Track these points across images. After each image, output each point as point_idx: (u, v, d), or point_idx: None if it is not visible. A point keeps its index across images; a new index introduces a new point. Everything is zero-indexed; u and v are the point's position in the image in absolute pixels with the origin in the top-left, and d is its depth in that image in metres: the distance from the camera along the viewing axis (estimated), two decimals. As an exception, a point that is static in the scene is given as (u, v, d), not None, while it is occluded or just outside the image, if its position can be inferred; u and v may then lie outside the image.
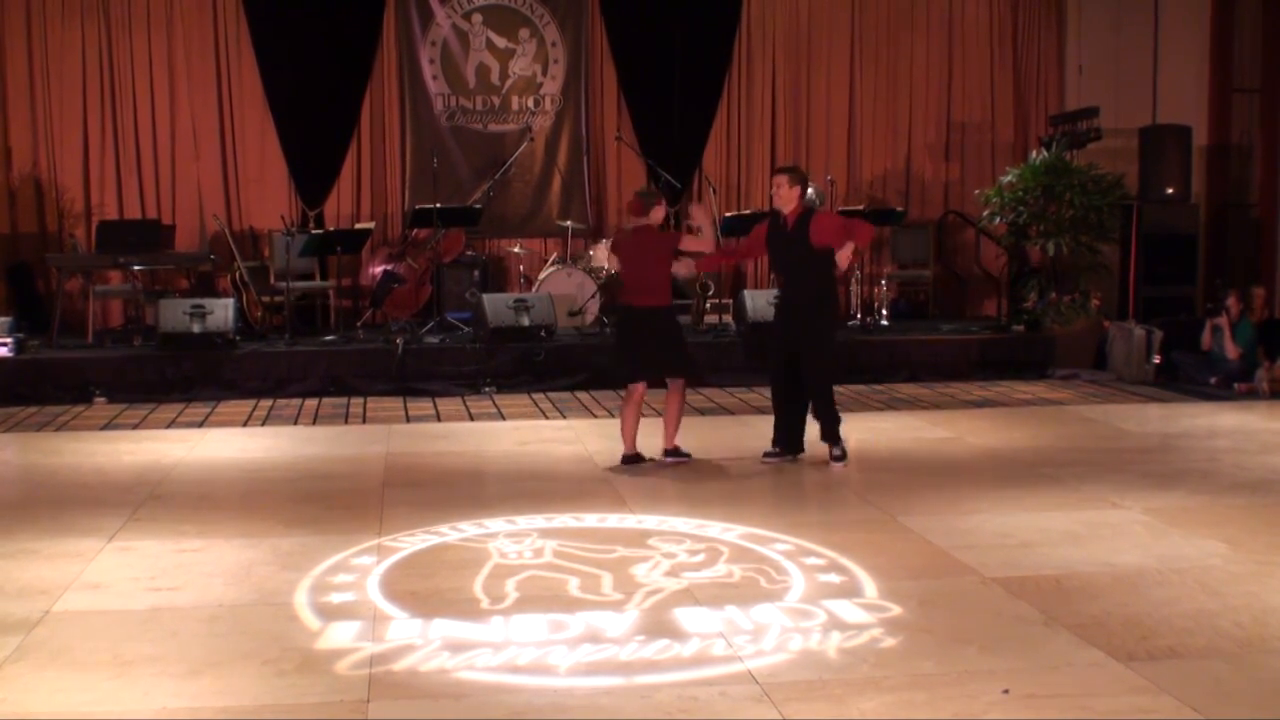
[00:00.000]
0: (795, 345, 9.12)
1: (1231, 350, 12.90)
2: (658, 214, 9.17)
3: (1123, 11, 16.60)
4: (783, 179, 9.12)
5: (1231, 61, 16.26)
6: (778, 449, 9.32)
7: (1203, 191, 16.16)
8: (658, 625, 5.75)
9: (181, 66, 15.30)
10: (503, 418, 11.50)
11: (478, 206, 14.77)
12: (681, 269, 9.30)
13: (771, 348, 9.46)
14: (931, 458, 9.64)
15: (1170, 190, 15.23)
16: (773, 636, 5.59)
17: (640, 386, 9.16)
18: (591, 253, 14.60)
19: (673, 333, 9.28)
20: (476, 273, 14.78)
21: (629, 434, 9.17)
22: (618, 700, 4.97)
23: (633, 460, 9.14)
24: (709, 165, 16.16)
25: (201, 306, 12.79)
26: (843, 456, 9.20)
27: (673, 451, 9.22)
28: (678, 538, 7.22)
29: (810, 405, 9.29)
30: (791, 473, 9.11)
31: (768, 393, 12.39)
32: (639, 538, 7.23)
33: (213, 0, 15.28)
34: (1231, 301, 13.08)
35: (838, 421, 9.24)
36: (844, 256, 8.95)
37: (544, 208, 16.05)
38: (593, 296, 14.16)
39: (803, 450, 9.37)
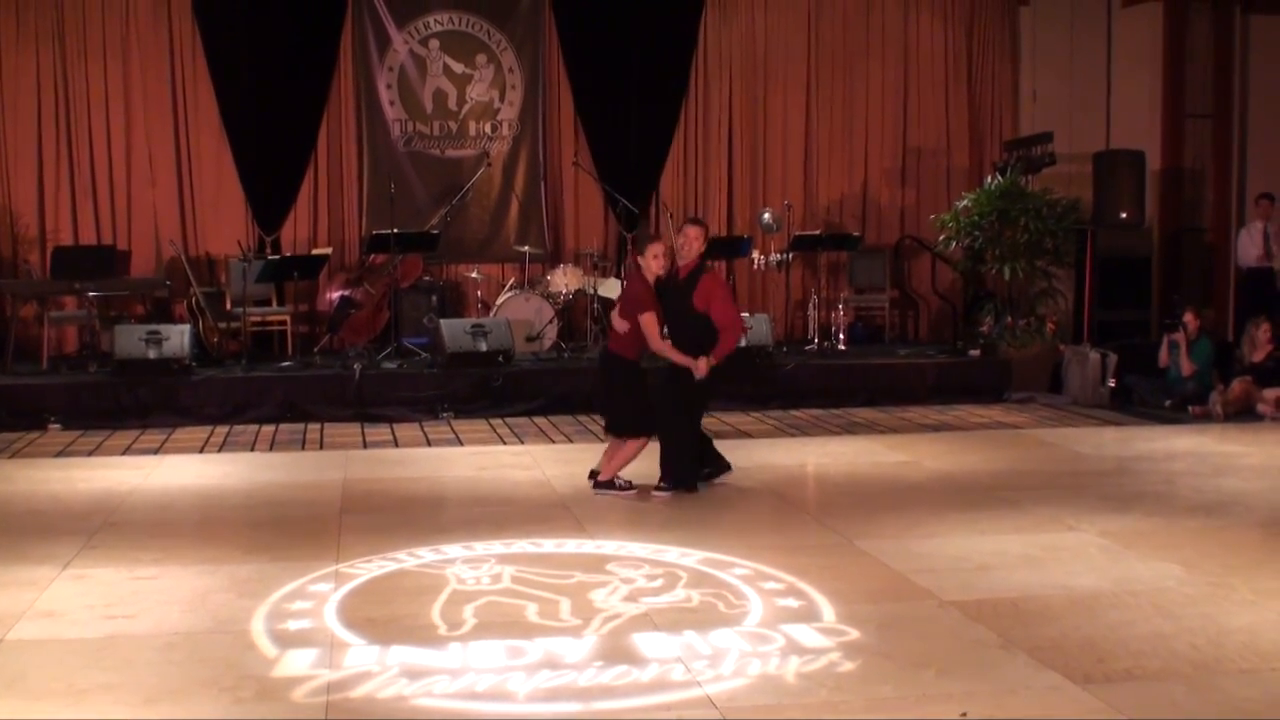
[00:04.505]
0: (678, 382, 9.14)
1: (1187, 367, 13.01)
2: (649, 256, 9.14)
3: (1076, 38, 16.75)
4: (699, 231, 9.13)
5: (1184, 88, 16.42)
6: (706, 471, 9.36)
7: (1156, 216, 16.29)
8: (616, 651, 5.74)
9: (137, 91, 15.22)
10: (460, 443, 11.48)
11: (435, 232, 14.73)
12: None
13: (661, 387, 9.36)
14: (888, 481, 9.67)
15: (1124, 215, 15.36)
16: (731, 661, 5.59)
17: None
18: (549, 278, 14.59)
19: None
20: (434, 298, 14.76)
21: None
22: (576, 726, 4.97)
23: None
24: (665, 191, 16.19)
25: (157, 332, 12.71)
26: (664, 488, 9.13)
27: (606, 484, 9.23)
28: (636, 563, 7.21)
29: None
30: (748, 498, 9.12)
31: (723, 418, 12.51)
32: (597, 563, 7.22)
33: (168, 26, 15.22)
34: (1189, 318, 13.20)
35: (683, 468, 9.17)
36: (701, 367, 8.94)
37: (501, 233, 16.04)
38: (550, 321, 14.15)
39: (729, 466, 9.47)
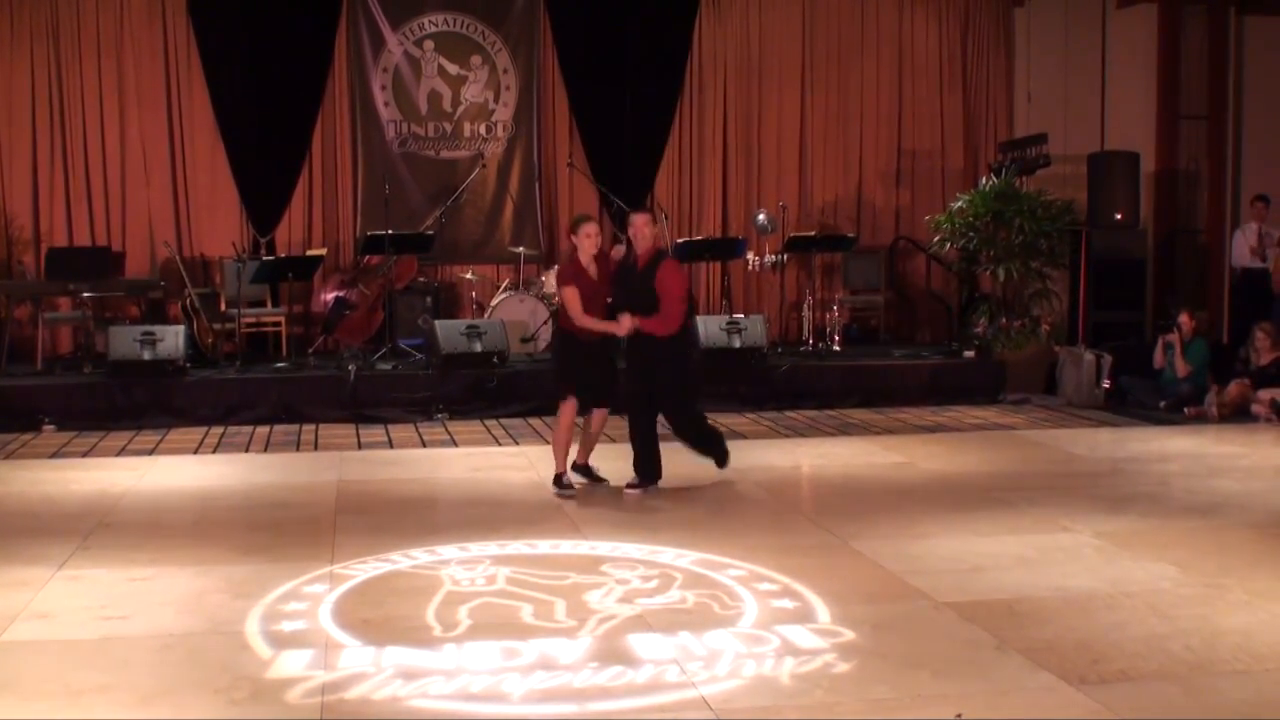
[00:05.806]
0: (649, 383, 9.17)
1: (1181, 368, 13.03)
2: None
3: (1071, 39, 16.76)
4: (645, 218, 9.11)
5: (1179, 89, 16.42)
6: (638, 480, 9.21)
7: (1150, 217, 16.29)
8: (611, 652, 5.74)
9: (132, 93, 15.20)
10: (455, 444, 11.48)
11: (430, 233, 14.73)
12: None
13: (627, 384, 9.39)
14: (884, 482, 9.67)
15: (1119, 216, 15.36)
16: (726, 662, 5.59)
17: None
18: (543, 279, 14.58)
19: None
20: (429, 299, 14.74)
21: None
22: (572, 727, 4.97)
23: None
24: (660, 192, 16.17)
25: (152, 334, 12.70)
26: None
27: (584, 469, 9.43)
28: (631, 564, 7.21)
29: (686, 443, 9.48)
30: (743, 499, 9.12)
31: (718, 419, 12.49)
32: (592, 564, 7.22)
33: (163, 26, 15.20)
34: (1183, 319, 13.21)
35: (719, 444, 9.52)
36: (624, 325, 8.93)
37: (496, 234, 16.03)
38: (545, 323, 14.14)
39: (660, 476, 9.33)
